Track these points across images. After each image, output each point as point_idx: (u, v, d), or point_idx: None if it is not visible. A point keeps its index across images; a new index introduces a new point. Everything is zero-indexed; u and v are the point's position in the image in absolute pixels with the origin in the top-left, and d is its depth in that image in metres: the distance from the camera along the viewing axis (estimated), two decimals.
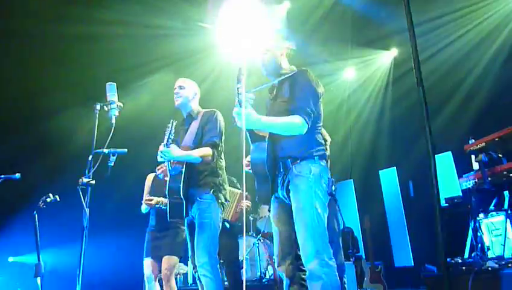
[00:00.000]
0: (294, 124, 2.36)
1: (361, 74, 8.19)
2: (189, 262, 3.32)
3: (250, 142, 2.56)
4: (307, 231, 2.28)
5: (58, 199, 3.17)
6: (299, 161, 2.39)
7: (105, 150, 2.61)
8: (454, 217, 4.91)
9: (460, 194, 5.41)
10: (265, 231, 5.58)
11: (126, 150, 2.69)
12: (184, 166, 3.02)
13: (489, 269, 3.11)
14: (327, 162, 2.51)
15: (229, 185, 4.54)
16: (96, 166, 2.57)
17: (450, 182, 6.10)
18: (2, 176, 3.63)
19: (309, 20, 7.38)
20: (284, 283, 2.48)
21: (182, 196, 2.97)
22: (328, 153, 3.86)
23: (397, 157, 7.34)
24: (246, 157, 2.62)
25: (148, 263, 3.90)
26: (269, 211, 2.71)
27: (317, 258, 2.24)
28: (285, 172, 2.43)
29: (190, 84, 3.32)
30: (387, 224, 7.12)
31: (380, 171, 7.64)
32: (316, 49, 7.59)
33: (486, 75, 5.66)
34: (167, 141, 2.88)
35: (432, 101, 6.67)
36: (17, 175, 3.65)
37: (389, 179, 7.42)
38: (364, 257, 6.08)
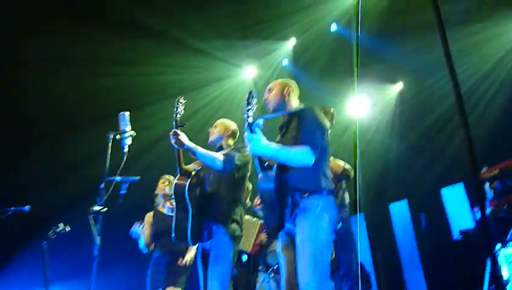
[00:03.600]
0: (301, 153, 2.38)
1: (368, 108, 8.25)
2: None
3: (258, 171, 2.56)
4: (309, 261, 2.26)
5: (68, 229, 3.14)
6: (307, 195, 2.40)
7: (118, 178, 2.62)
8: (470, 250, 4.80)
9: (475, 225, 5.33)
10: (276, 267, 5.43)
11: (138, 177, 2.70)
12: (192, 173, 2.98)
13: None
14: (336, 197, 2.51)
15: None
16: (108, 194, 2.57)
17: (463, 214, 6.00)
18: (12, 209, 3.59)
19: (315, 56, 7.56)
20: None
21: (186, 197, 2.89)
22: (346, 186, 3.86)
23: (407, 190, 7.27)
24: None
25: None
26: None
27: (316, 289, 2.20)
28: (293, 206, 2.43)
29: (224, 124, 3.35)
30: (400, 260, 6.94)
31: (390, 205, 7.53)
32: (322, 83, 7.72)
33: (496, 102, 5.68)
34: (174, 121, 2.89)
35: (442, 131, 6.80)
36: (27, 207, 3.63)
37: (399, 212, 7.30)
38: None
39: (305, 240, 2.31)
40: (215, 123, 3.37)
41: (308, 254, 2.26)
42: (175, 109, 2.95)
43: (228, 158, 2.99)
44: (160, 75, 5.95)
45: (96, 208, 2.53)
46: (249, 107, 2.33)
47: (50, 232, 3.10)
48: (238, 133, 3.38)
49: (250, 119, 2.31)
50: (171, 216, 3.84)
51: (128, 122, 2.84)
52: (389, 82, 7.87)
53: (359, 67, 7.54)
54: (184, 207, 2.92)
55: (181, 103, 2.97)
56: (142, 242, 3.94)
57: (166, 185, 4.09)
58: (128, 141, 2.80)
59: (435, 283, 6.08)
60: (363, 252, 7.22)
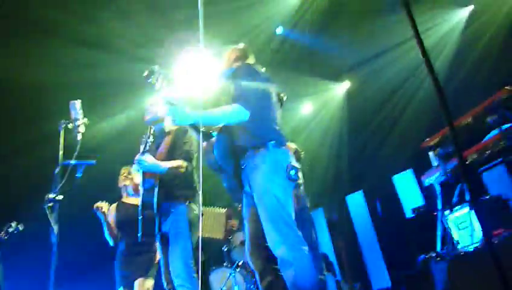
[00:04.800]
0: (230, 112, 2.34)
1: (317, 106, 8.57)
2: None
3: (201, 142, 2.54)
4: (270, 218, 2.22)
5: (21, 228, 2.99)
6: (253, 152, 2.35)
7: (73, 161, 2.56)
8: (422, 223, 5.07)
9: (424, 202, 5.65)
10: (241, 262, 5.43)
11: (94, 161, 2.65)
12: (157, 179, 2.99)
13: (462, 253, 3.20)
14: (287, 147, 2.44)
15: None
16: (64, 179, 2.51)
17: (413, 196, 6.35)
18: None
19: (263, 59, 7.72)
20: (256, 277, 2.42)
21: (155, 211, 2.93)
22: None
23: (362, 181, 7.56)
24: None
25: None
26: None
27: (284, 243, 2.16)
28: (244, 165, 2.39)
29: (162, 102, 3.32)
30: (360, 247, 7.16)
31: (346, 197, 7.79)
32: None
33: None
34: (144, 148, 2.88)
35: (385, 122, 7.18)
36: None
37: (356, 202, 7.56)
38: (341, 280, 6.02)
39: (260, 197, 2.27)
40: (151, 101, 3.30)
41: (266, 210, 2.23)
42: (146, 138, 2.97)
43: (187, 159, 3.07)
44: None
45: (52, 195, 2.46)
46: (149, 81, 2.33)
47: (1, 233, 2.94)
48: None
49: (163, 94, 2.30)
50: (133, 205, 3.80)
51: (80, 110, 2.80)
52: (337, 80, 8.19)
53: (307, 67, 7.91)
54: (152, 215, 2.97)
55: (151, 133, 3.02)
56: (106, 232, 3.82)
57: (125, 175, 4.03)
58: (81, 129, 2.76)
59: (394, 260, 6.34)
60: (325, 244, 7.40)
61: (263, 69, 2.64)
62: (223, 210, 4.61)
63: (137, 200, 3.89)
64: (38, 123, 4.43)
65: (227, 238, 4.61)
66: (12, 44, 4.84)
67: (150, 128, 3.03)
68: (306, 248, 2.20)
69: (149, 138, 2.96)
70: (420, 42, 1.84)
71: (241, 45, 2.80)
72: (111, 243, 3.86)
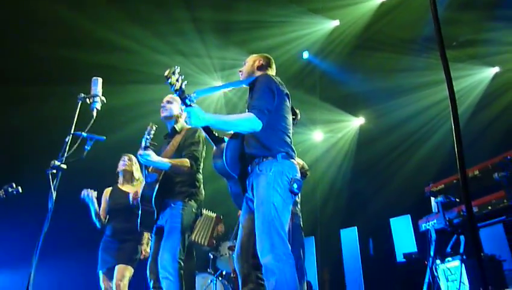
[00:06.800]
0: (244, 119, 2.35)
1: (327, 135, 8.59)
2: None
3: (212, 145, 2.57)
4: (263, 224, 2.23)
5: (20, 191, 3.02)
6: (261, 160, 2.39)
7: (84, 133, 2.60)
8: (412, 271, 5.02)
9: (416, 250, 5.61)
10: (224, 271, 5.40)
11: (104, 137, 2.69)
12: (161, 175, 3.03)
13: None
14: (294, 160, 2.45)
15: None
16: (71, 151, 2.53)
17: (407, 242, 6.30)
18: None
19: (281, 75, 7.80)
20: (239, 281, 2.42)
21: (153, 205, 2.96)
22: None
23: (358, 217, 7.51)
24: None
25: (102, 277, 3.69)
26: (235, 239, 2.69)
27: (272, 253, 2.16)
28: (251, 173, 2.43)
29: (178, 101, 3.36)
30: (345, 282, 7.07)
31: (340, 230, 7.73)
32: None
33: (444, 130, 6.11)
34: (145, 143, 2.92)
35: (392, 164, 7.17)
36: None
37: (349, 237, 7.50)
38: None
39: (259, 203, 2.29)
40: (168, 99, 3.37)
41: (263, 217, 2.24)
42: (146, 134, 3.03)
43: (193, 159, 3.11)
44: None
45: (57, 162, 2.49)
46: (169, 81, 2.36)
47: (1, 191, 2.97)
48: None
49: (181, 93, 2.34)
50: (127, 193, 3.82)
51: (100, 88, 2.85)
52: (352, 113, 8.22)
53: (325, 95, 7.98)
54: (151, 209, 3.00)
55: (153, 130, 3.07)
56: (94, 216, 3.82)
57: (125, 161, 4.05)
58: (98, 106, 2.81)
59: None
60: (311, 273, 7.31)
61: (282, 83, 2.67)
62: (213, 215, 4.61)
63: (130, 188, 3.95)
64: (58, 95, 4.55)
65: (212, 244, 4.58)
66: None
67: (152, 124, 3.06)
68: (292, 261, 2.19)
69: (149, 134, 3.01)
70: (450, 84, 1.80)
71: (266, 55, 2.81)
72: (98, 225, 3.87)
